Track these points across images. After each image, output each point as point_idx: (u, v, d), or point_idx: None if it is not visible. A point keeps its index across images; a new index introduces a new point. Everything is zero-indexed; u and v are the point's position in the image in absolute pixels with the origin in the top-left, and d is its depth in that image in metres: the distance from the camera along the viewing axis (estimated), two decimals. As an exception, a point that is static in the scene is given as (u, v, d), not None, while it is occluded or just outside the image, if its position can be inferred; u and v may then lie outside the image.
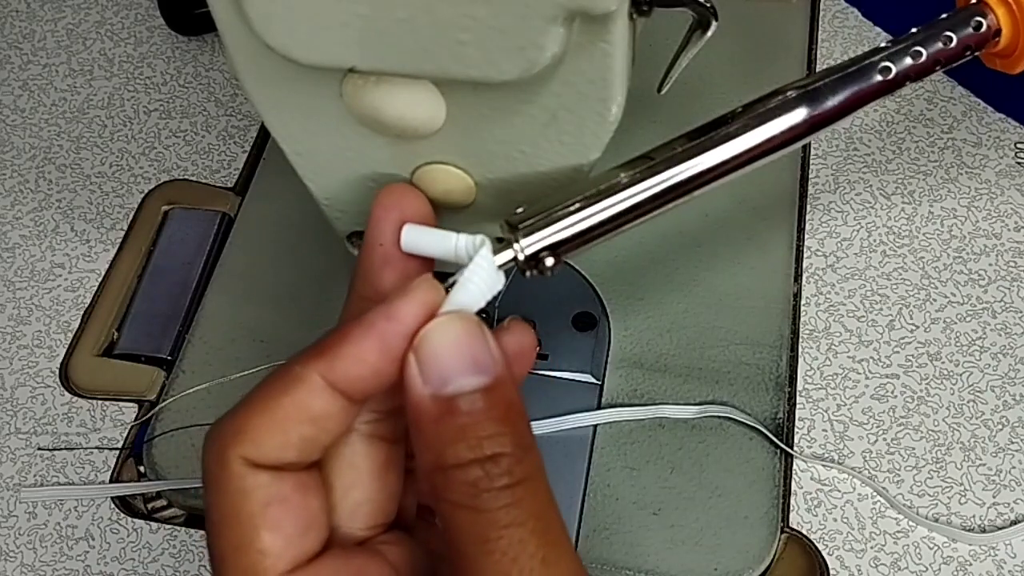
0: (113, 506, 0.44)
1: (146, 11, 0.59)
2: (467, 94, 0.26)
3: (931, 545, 0.41)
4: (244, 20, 0.24)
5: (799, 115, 0.30)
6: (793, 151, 0.52)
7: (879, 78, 0.30)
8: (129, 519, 0.43)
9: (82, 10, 0.60)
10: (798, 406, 0.45)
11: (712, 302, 0.47)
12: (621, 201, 0.28)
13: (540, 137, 0.28)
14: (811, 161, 0.52)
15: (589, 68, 0.26)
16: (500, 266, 0.26)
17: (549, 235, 0.27)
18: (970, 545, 0.41)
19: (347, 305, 0.27)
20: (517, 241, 0.27)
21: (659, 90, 0.32)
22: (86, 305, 0.49)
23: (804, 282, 0.48)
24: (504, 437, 0.22)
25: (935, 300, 0.47)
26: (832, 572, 0.41)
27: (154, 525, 0.43)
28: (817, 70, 0.55)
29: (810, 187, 0.51)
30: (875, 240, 0.49)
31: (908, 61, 0.31)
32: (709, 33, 0.29)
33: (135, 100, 0.56)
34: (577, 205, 0.27)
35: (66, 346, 0.48)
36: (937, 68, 0.31)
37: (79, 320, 0.49)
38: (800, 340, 0.46)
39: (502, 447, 0.22)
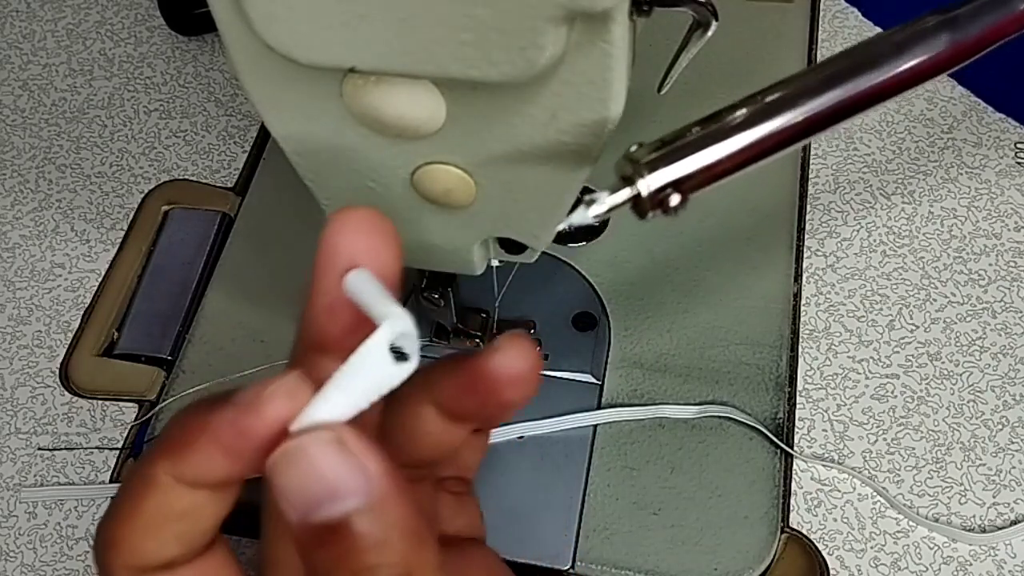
0: (113, 506, 0.44)
1: (146, 11, 0.59)
2: (467, 94, 0.26)
3: (931, 545, 0.41)
4: (244, 20, 0.24)
5: (941, 42, 0.27)
6: (792, 151, 0.52)
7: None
8: (129, 519, 0.43)
9: (82, 10, 0.60)
10: (798, 406, 0.45)
11: (712, 302, 0.47)
12: (757, 133, 0.26)
13: (540, 137, 0.28)
14: (811, 161, 0.52)
15: (589, 68, 0.26)
16: (618, 205, 0.24)
17: (678, 170, 0.24)
18: (970, 545, 0.41)
19: (294, 350, 0.25)
20: (642, 176, 0.24)
21: (659, 90, 0.32)
22: (86, 305, 0.49)
23: (804, 282, 0.48)
24: (384, 554, 0.20)
25: (935, 300, 0.47)
26: (832, 572, 0.41)
27: (154, 525, 0.43)
28: (817, 70, 0.55)
29: (810, 187, 0.51)
30: (875, 240, 0.49)
31: None
32: (709, 33, 0.28)
33: (135, 100, 0.56)
34: (707, 138, 0.25)
35: (66, 346, 0.48)
36: None
37: (79, 320, 0.49)
38: (800, 340, 0.46)
39: (383, 560, 0.20)
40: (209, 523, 0.22)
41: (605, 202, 0.24)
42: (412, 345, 0.21)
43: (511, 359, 0.25)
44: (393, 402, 0.24)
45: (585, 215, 0.24)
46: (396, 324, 0.21)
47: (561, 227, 0.25)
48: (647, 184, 0.25)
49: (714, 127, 0.25)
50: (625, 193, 0.25)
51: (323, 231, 0.22)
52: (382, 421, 0.25)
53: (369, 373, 0.21)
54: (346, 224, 0.22)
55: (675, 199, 0.25)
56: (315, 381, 0.21)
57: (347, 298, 0.22)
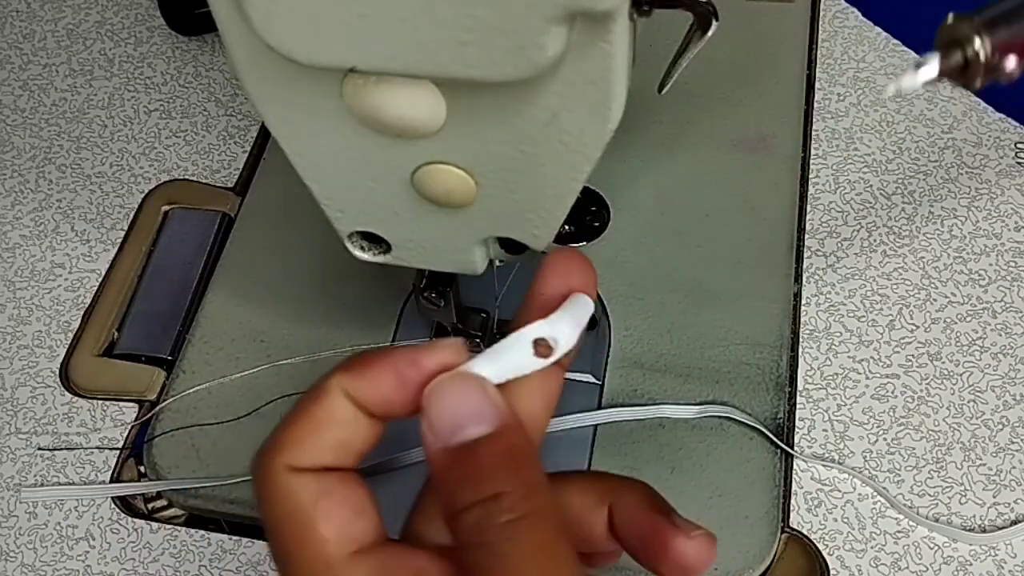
0: (113, 506, 0.44)
1: (146, 11, 0.59)
2: (467, 94, 0.26)
3: (931, 545, 0.41)
4: (245, 20, 0.24)
5: None
6: (792, 150, 0.52)
7: None
8: (129, 519, 0.43)
9: (82, 10, 0.60)
10: (798, 406, 0.45)
11: (712, 302, 0.47)
12: None
13: (540, 137, 0.28)
14: (811, 161, 0.52)
15: (589, 68, 0.26)
16: (949, 70, 0.24)
17: (1018, 31, 0.23)
18: (970, 545, 0.41)
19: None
20: (980, 35, 0.23)
21: (659, 90, 0.32)
22: (86, 305, 0.49)
23: (804, 282, 0.48)
24: (507, 477, 0.24)
25: (935, 300, 0.47)
26: (832, 572, 0.41)
27: (154, 525, 0.43)
28: (817, 70, 0.55)
29: (810, 187, 0.51)
30: (875, 240, 0.49)
31: None
32: (709, 33, 0.28)
33: (135, 100, 0.56)
34: None
35: (66, 346, 0.48)
36: None
37: (79, 320, 0.49)
38: (800, 340, 0.46)
39: (502, 486, 0.24)
40: (358, 445, 0.26)
41: (935, 65, 0.23)
42: (556, 350, 0.27)
43: (695, 550, 0.27)
44: (589, 483, 0.29)
45: (915, 79, 0.24)
46: (543, 328, 0.27)
47: (891, 92, 0.24)
48: (982, 46, 0.23)
49: None
50: (957, 56, 0.23)
51: (548, 260, 0.28)
52: (566, 494, 0.29)
53: (512, 354, 0.26)
54: (566, 265, 0.28)
55: (1011, 63, 0.23)
56: None
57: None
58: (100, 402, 0.46)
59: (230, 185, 0.53)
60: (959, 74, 0.23)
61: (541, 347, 0.27)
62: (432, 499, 0.27)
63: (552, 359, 0.27)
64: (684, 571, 0.27)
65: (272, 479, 0.25)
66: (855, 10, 0.57)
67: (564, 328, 0.27)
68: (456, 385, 0.25)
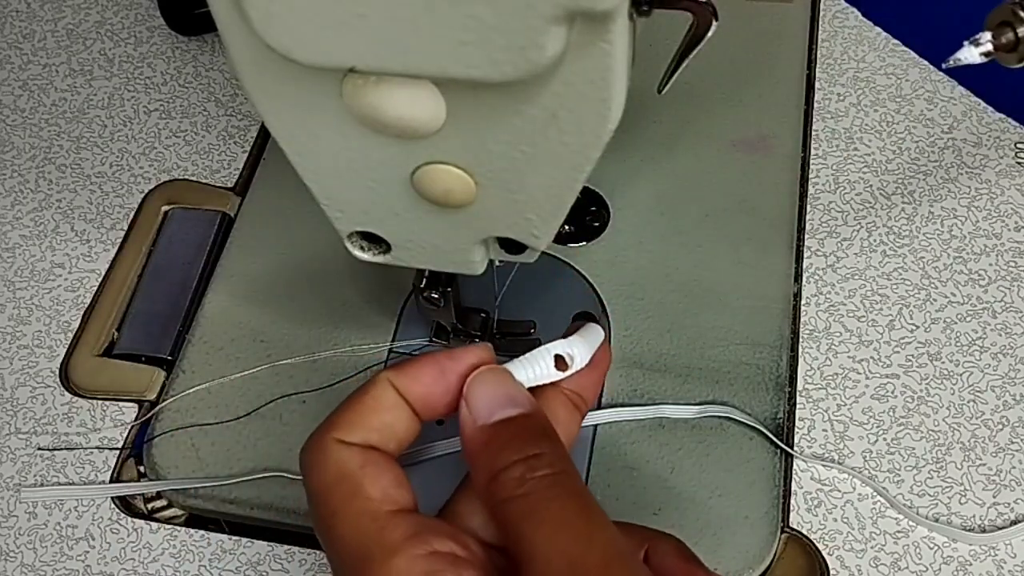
0: (113, 506, 0.44)
1: (146, 11, 0.59)
2: (467, 94, 0.26)
3: (931, 545, 0.41)
4: (244, 20, 0.24)
5: None
6: (792, 150, 0.52)
7: None
8: (129, 519, 0.43)
9: (82, 10, 0.60)
10: (798, 406, 0.45)
11: (712, 302, 0.47)
12: None
13: (540, 137, 0.28)
14: (811, 161, 0.52)
15: (589, 68, 0.26)
16: (1001, 47, 0.28)
17: None
18: (970, 545, 0.41)
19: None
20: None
21: (659, 90, 0.32)
22: (86, 305, 0.49)
23: (804, 282, 0.48)
24: (542, 442, 0.27)
25: (935, 300, 0.47)
26: (832, 572, 0.41)
27: (154, 525, 0.43)
28: (817, 70, 0.55)
29: (810, 187, 0.51)
30: (875, 240, 0.49)
31: None
32: (709, 33, 0.28)
33: (135, 100, 0.56)
34: None
35: (66, 346, 0.48)
36: None
37: (79, 320, 0.49)
38: (800, 340, 0.46)
39: (540, 449, 0.27)
40: (400, 431, 0.29)
41: (987, 42, 0.26)
42: (572, 366, 0.31)
43: None
44: (623, 531, 0.30)
45: (972, 52, 0.25)
46: (563, 346, 0.31)
47: (948, 63, 0.27)
48: None
49: None
50: (1008, 34, 0.26)
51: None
52: None
53: (537, 364, 0.31)
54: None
55: None
56: None
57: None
58: (100, 402, 0.46)
59: (230, 185, 0.53)
60: (1008, 50, 0.26)
61: (560, 362, 0.31)
62: (465, 495, 0.29)
63: (568, 373, 0.31)
64: None
65: (323, 449, 0.28)
66: (855, 10, 0.57)
67: (580, 348, 0.31)
68: (493, 375, 0.29)
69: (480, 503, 0.29)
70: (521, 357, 0.31)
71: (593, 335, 0.33)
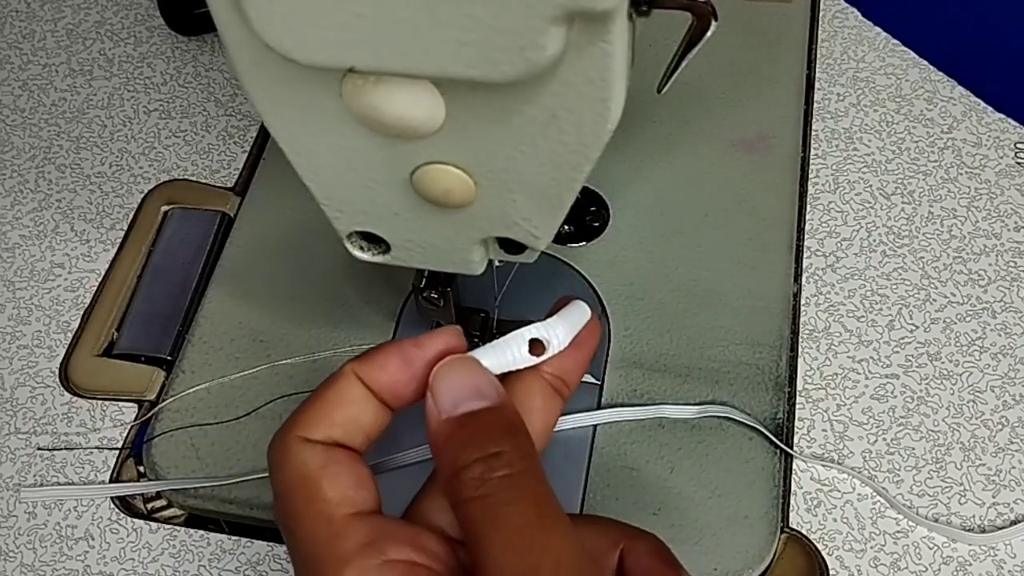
0: (113, 506, 0.44)
1: (146, 11, 0.59)
2: (467, 94, 0.26)
3: (931, 545, 0.41)
4: (244, 20, 0.24)
5: None
6: (792, 150, 0.52)
7: None
8: (129, 519, 0.43)
9: (82, 10, 0.60)
10: (798, 406, 0.45)
11: (712, 302, 0.47)
12: None
13: (540, 137, 0.28)
14: (811, 161, 0.52)
15: (589, 68, 0.26)
16: None
17: None
18: (970, 545, 0.41)
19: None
20: None
21: (659, 90, 0.32)
22: (86, 305, 0.49)
23: (804, 282, 0.48)
24: (504, 441, 0.26)
25: (935, 300, 0.47)
26: (832, 572, 0.41)
27: (154, 525, 0.43)
28: (817, 70, 0.55)
29: (810, 187, 0.51)
30: (875, 240, 0.49)
31: None
32: (709, 33, 0.28)
33: (135, 100, 0.56)
34: None
35: (66, 346, 0.48)
36: None
37: (79, 320, 0.49)
38: (800, 340, 0.46)
39: (501, 447, 0.26)
40: (366, 425, 0.28)
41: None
42: (548, 350, 0.29)
43: None
44: (602, 527, 0.31)
45: None
46: (539, 330, 0.29)
47: None
48: None
49: None
50: None
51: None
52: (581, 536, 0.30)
53: (509, 350, 0.29)
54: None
55: None
56: None
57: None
58: (100, 402, 0.46)
59: (230, 185, 0.53)
60: None
61: (536, 346, 0.29)
62: (431, 490, 0.29)
63: (544, 357, 0.29)
64: None
65: (285, 448, 0.27)
66: (855, 10, 0.57)
67: (559, 331, 0.30)
68: (460, 365, 0.28)
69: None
70: (493, 342, 0.29)
71: (576, 314, 0.31)
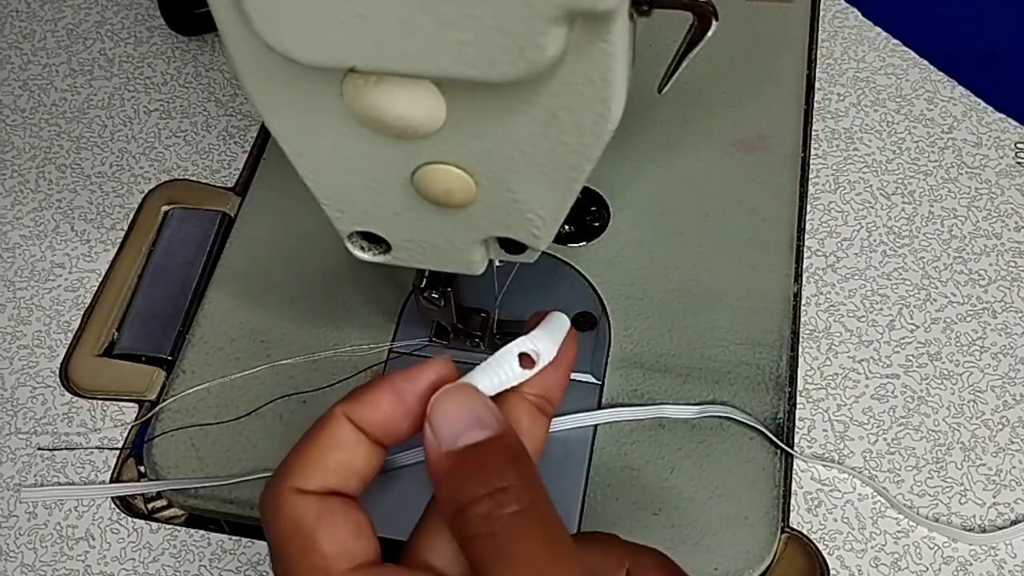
0: (113, 506, 0.44)
1: (146, 11, 0.59)
2: (467, 94, 0.26)
3: (931, 545, 0.41)
4: (244, 20, 0.24)
5: None
6: (792, 150, 0.52)
7: None
8: (129, 519, 0.43)
9: (82, 10, 0.60)
10: (798, 406, 0.45)
11: (712, 302, 0.47)
12: None
13: (540, 137, 0.28)
14: (811, 161, 0.52)
15: (589, 68, 0.26)
16: None
17: None
18: (970, 545, 0.41)
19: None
20: None
21: (659, 90, 0.32)
22: (86, 305, 0.49)
23: (804, 282, 0.48)
24: (510, 473, 0.26)
25: (935, 300, 0.47)
26: (832, 572, 0.41)
27: (154, 525, 0.43)
28: (817, 70, 0.55)
29: (810, 187, 0.51)
30: (875, 240, 0.49)
31: None
32: (709, 33, 0.29)
33: (135, 100, 0.56)
34: None
35: (66, 346, 0.48)
36: None
37: (79, 320, 0.49)
38: (800, 340, 0.46)
39: (508, 481, 0.26)
40: (360, 468, 0.27)
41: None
42: (539, 362, 0.29)
43: None
44: (606, 546, 0.31)
45: None
46: (526, 343, 0.29)
47: None
48: None
49: None
50: None
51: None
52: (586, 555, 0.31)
53: (501, 368, 0.28)
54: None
55: None
56: None
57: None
58: (100, 402, 0.46)
59: (230, 185, 0.53)
60: None
61: (525, 360, 0.29)
62: (431, 524, 0.28)
63: (536, 370, 0.29)
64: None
65: (278, 500, 0.26)
66: (855, 10, 0.57)
67: (544, 342, 0.30)
68: (458, 395, 0.27)
69: (447, 532, 0.27)
70: (483, 364, 0.29)
71: (557, 325, 0.30)
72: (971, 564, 0.41)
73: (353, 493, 0.27)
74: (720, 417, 0.43)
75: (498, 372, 0.29)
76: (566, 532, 0.26)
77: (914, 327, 0.47)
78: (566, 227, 0.49)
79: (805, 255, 0.49)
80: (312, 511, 0.26)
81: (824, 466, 0.43)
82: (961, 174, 0.51)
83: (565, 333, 0.30)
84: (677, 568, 0.30)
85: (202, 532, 0.43)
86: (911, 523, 0.42)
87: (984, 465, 0.43)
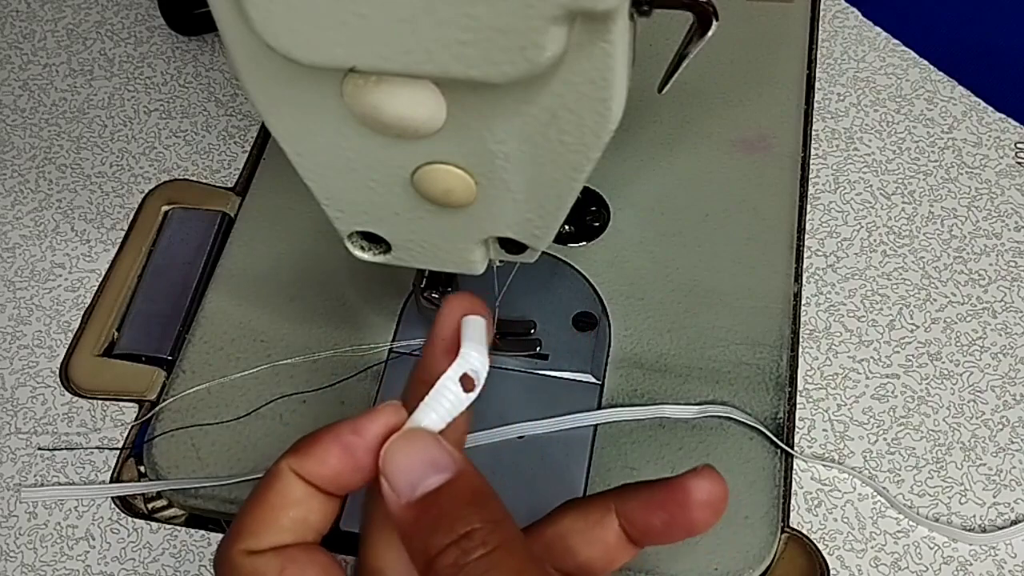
0: (113, 506, 0.44)
1: (146, 11, 0.59)
2: (467, 94, 0.26)
3: (931, 545, 0.41)
4: (244, 20, 0.24)
5: None
6: (792, 150, 0.52)
7: None
8: (129, 519, 0.43)
9: (82, 10, 0.60)
10: (798, 406, 0.45)
11: (712, 302, 0.47)
12: None
13: (540, 137, 0.28)
14: (811, 161, 0.52)
15: (589, 68, 0.26)
16: None
17: None
18: (970, 545, 0.41)
19: (408, 387, 0.30)
20: None
21: (659, 90, 0.32)
22: (86, 305, 0.49)
23: (804, 282, 0.48)
24: (472, 515, 0.25)
25: (935, 300, 0.47)
26: (832, 572, 0.41)
27: (154, 525, 0.43)
28: (817, 70, 0.55)
29: (810, 187, 0.51)
30: (875, 240, 0.49)
31: None
32: (709, 33, 0.29)
33: (135, 100, 0.56)
34: None
35: (66, 346, 0.48)
36: None
37: (79, 320, 0.49)
38: (800, 340, 0.46)
39: (471, 524, 0.25)
40: (315, 521, 0.27)
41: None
42: (479, 378, 0.28)
43: (707, 484, 0.28)
44: (582, 505, 0.30)
45: None
46: (461, 366, 0.28)
47: None
48: None
49: None
50: None
51: (444, 302, 0.29)
52: (563, 524, 0.30)
53: (445, 399, 0.27)
54: (464, 297, 0.29)
55: None
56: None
57: (458, 347, 0.29)
58: (100, 402, 0.46)
59: (230, 185, 0.53)
60: None
61: (466, 382, 0.28)
62: (378, 534, 0.28)
63: (479, 387, 0.28)
64: (706, 506, 0.28)
65: (233, 562, 0.26)
66: (855, 10, 0.57)
67: (475, 356, 0.28)
68: (409, 442, 0.26)
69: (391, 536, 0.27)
70: (425, 400, 0.27)
71: (475, 330, 0.29)
72: (971, 564, 0.41)
73: (312, 541, 0.27)
74: (720, 417, 0.43)
75: (443, 403, 0.28)
76: (538, 564, 0.26)
77: (914, 327, 0.47)
78: (566, 227, 0.49)
79: (805, 255, 0.49)
80: (272, 567, 0.26)
81: (824, 466, 0.43)
82: (961, 174, 0.51)
83: (484, 329, 0.29)
84: (660, 492, 0.29)
85: (202, 532, 0.43)
86: (911, 523, 0.42)
87: (984, 465, 0.43)
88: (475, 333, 0.29)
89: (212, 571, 0.42)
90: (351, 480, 0.27)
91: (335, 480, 0.27)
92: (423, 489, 0.25)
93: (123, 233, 0.51)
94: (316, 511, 0.27)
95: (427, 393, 0.27)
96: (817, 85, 0.54)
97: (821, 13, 0.57)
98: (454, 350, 0.28)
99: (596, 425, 0.44)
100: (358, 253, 0.35)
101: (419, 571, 0.25)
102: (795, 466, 0.43)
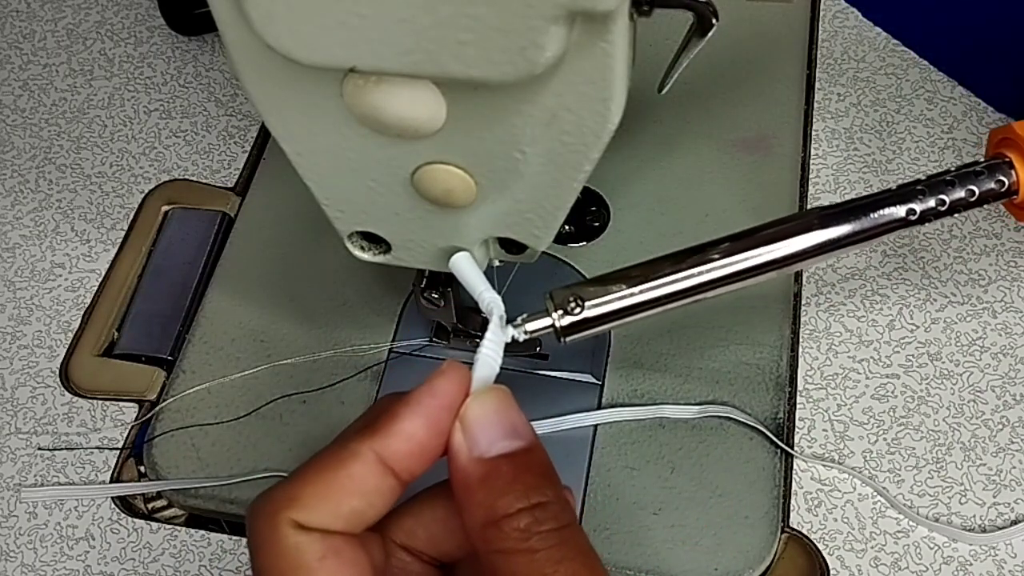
0: (113, 506, 0.44)
1: (146, 11, 0.59)
2: (467, 94, 0.26)
3: (931, 545, 0.41)
4: (244, 20, 0.24)
5: (816, 238, 0.34)
6: (792, 150, 0.52)
7: (902, 216, 0.36)
8: (129, 519, 0.43)
9: (82, 10, 0.60)
10: (798, 406, 0.45)
11: (712, 302, 0.47)
12: (651, 290, 0.34)
13: (540, 137, 0.28)
14: (811, 161, 0.52)
15: (589, 68, 0.26)
16: (535, 332, 0.31)
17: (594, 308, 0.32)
18: (970, 545, 0.41)
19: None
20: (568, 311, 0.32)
21: (659, 90, 0.32)
22: (86, 305, 0.49)
23: (804, 282, 0.48)
24: (547, 488, 0.25)
25: (935, 300, 0.47)
26: (832, 572, 0.41)
27: (154, 525, 0.43)
28: (817, 70, 0.55)
29: (810, 187, 0.51)
30: (875, 240, 0.49)
31: (931, 205, 0.36)
32: (709, 33, 0.29)
33: (135, 100, 0.56)
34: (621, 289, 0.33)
35: (66, 346, 0.48)
36: (952, 213, 0.35)
37: (79, 320, 0.49)
38: (800, 340, 0.46)
39: (546, 496, 0.25)
40: (375, 513, 0.26)
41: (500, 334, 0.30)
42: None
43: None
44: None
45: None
46: (497, 304, 0.30)
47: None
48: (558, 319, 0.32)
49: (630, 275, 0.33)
50: (544, 323, 0.32)
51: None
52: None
53: (495, 352, 0.28)
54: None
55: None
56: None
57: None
58: (100, 402, 0.46)
59: (230, 185, 0.53)
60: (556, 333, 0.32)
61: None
62: (427, 508, 0.27)
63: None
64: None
65: (276, 532, 0.24)
66: (855, 10, 0.57)
67: (491, 297, 0.30)
68: (496, 398, 0.26)
69: (470, 536, 0.26)
70: (482, 352, 0.28)
71: (463, 268, 0.30)
72: (971, 564, 0.41)
73: (357, 531, 0.26)
74: (720, 417, 0.43)
75: (491, 365, 0.28)
76: (597, 556, 0.25)
77: (914, 327, 0.47)
78: (566, 227, 0.49)
79: (805, 255, 0.49)
80: (315, 550, 0.24)
81: (824, 466, 0.43)
82: (961, 174, 0.51)
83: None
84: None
85: (202, 532, 0.43)
86: (911, 523, 0.42)
87: (984, 465, 0.43)
88: (473, 272, 0.31)
89: (212, 571, 0.42)
90: (436, 451, 0.26)
91: (419, 455, 0.25)
92: (499, 449, 0.25)
93: (123, 233, 0.51)
94: (377, 505, 0.26)
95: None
96: (817, 85, 0.54)
97: (821, 13, 0.57)
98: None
99: (596, 425, 0.44)
100: (358, 253, 0.35)
101: (472, 526, 0.25)
102: (795, 466, 0.43)
